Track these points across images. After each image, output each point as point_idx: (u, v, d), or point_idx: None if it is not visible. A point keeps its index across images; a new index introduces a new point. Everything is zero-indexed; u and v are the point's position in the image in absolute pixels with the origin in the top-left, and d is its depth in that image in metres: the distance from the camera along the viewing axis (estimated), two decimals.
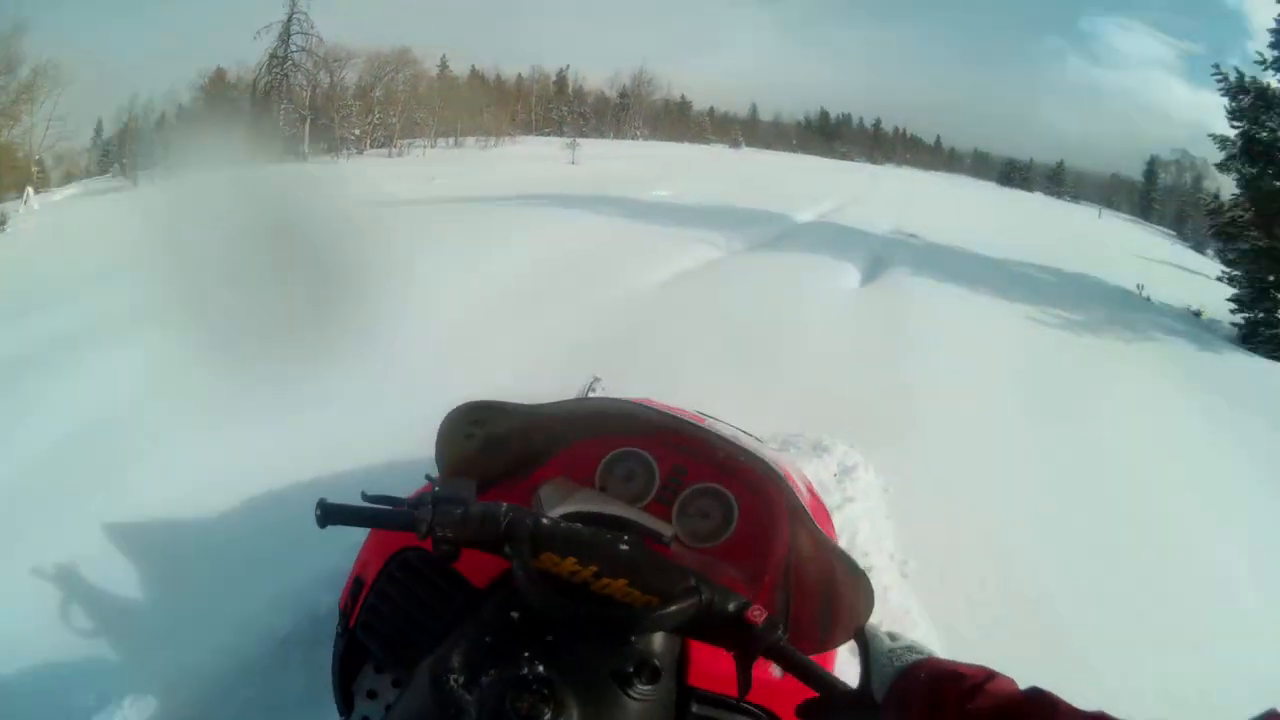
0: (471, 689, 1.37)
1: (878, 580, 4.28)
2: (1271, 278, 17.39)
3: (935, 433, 7.08)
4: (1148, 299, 18.36)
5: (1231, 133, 17.88)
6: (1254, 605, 5.43)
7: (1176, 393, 10.54)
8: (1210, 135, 18.46)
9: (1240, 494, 7.36)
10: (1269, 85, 17.30)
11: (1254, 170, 17.49)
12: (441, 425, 2.09)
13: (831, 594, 1.85)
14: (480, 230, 13.37)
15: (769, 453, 2.30)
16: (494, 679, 1.37)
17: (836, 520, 4.74)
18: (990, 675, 1.27)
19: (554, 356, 7.67)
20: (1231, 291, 18.54)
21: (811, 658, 1.49)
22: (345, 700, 2.02)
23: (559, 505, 1.99)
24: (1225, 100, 17.77)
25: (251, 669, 3.70)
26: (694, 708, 1.69)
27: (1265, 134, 17.13)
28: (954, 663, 1.33)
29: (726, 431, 2.34)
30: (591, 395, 5.42)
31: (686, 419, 2.28)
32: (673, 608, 1.46)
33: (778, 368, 8.09)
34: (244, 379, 5.90)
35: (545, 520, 1.59)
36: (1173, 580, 5.48)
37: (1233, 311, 18.05)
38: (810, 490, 2.90)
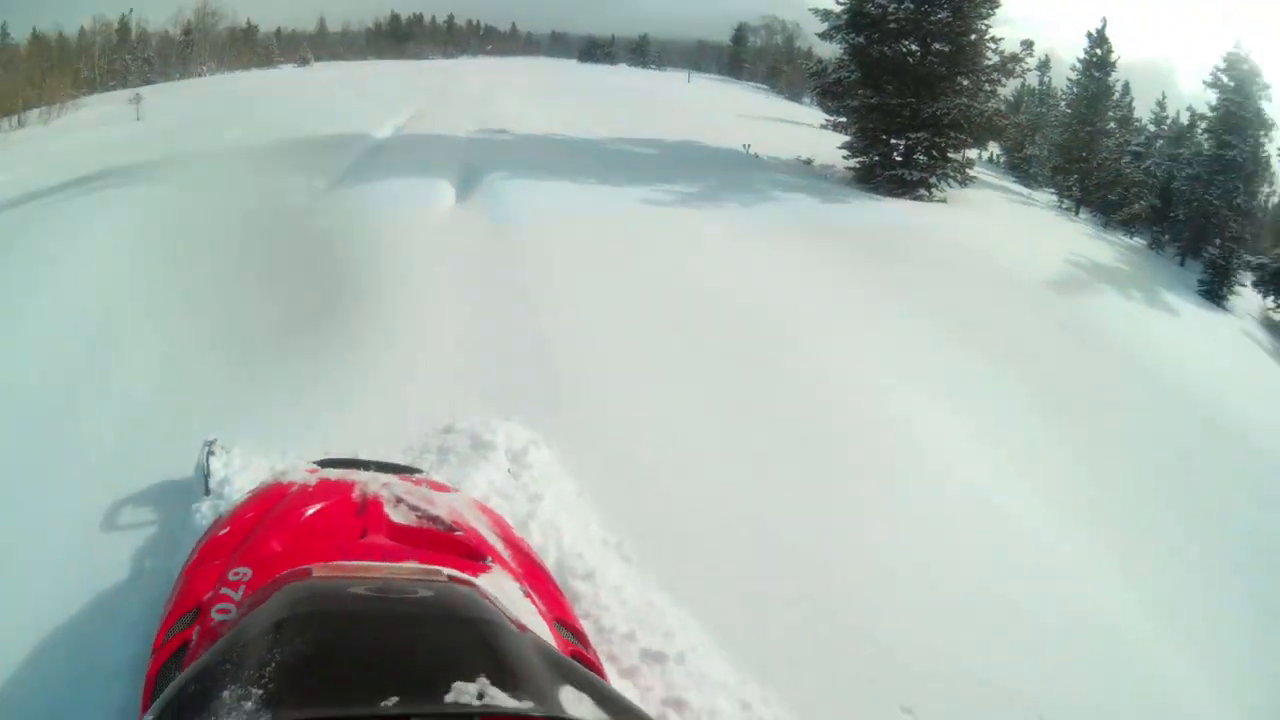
0: None
1: (605, 580, 4.10)
2: (883, 128, 19.41)
3: (587, 371, 6.69)
4: (757, 156, 19.53)
5: (837, 7, 20.05)
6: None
7: (817, 259, 10.93)
8: (812, 10, 20.97)
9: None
10: None
11: (861, 39, 19.46)
12: None
13: None
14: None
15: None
16: None
17: (535, 534, 4.26)
18: None
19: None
20: (839, 139, 20.46)
21: None
22: None
23: None
24: None
25: None
26: None
27: (872, 8, 18.96)
28: None
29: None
30: (209, 474, 4.68)
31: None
32: None
33: (395, 336, 7.16)
34: None
35: None
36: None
37: (846, 157, 19.89)
38: (515, 545, 3.26)
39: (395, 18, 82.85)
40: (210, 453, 4.78)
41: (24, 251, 9.52)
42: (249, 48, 76.38)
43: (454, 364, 6.60)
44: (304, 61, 72.58)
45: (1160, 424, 8.90)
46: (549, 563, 3.78)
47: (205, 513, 4.25)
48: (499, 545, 3.17)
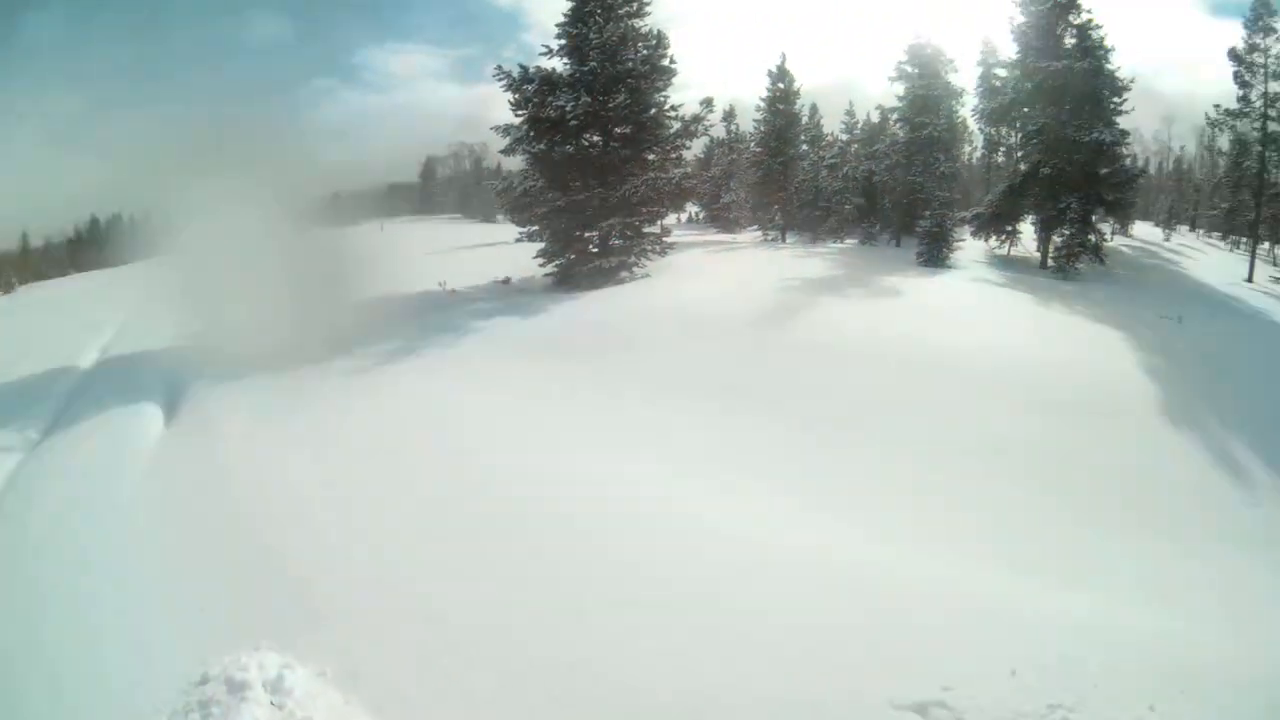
0: None
1: None
2: (576, 225, 19.86)
3: (326, 570, 6.71)
4: (454, 291, 19.81)
5: (516, 120, 20.18)
6: None
7: (522, 381, 11.76)
8: (493, 128, 20.72)
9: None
10: (554, 70, 19.91)
11: (543, 145, 19.83)
12: None
13: None
14: None
15: None
16: None
17: None
18: None
19: None
20: (536, 248, 20.61)
21: None
22: None
23: None
24: (510, 95, 19.84)
25: None
26: None
27: (552, 112, 19.34)
28: None
29: None
30: None
31: None
32: None
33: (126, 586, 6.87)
34: None
35: None
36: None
37: (543, 265, 20.31)
38: None
39: (96, 222, 76.75)
40: None
41: None
42: None
43: (193, 599, 6.40)
44: (9, 288, 65.65)
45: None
46: None
47: None
48: None
